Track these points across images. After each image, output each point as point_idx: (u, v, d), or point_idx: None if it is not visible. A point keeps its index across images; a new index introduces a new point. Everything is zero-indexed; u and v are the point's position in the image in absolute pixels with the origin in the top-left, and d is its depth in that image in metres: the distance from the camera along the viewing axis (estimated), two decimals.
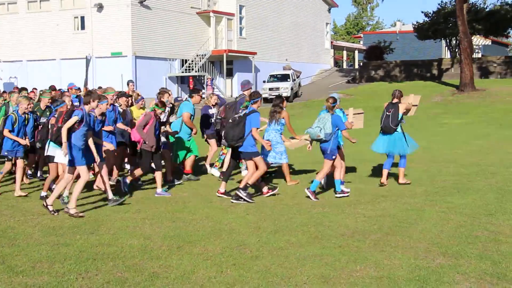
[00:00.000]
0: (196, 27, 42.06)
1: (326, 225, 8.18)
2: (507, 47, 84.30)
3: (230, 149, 11.16)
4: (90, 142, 9.08)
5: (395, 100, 11.50)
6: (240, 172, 12.67)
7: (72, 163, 8.98)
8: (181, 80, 40.99)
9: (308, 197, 10.12)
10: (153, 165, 10.90)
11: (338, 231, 7.80)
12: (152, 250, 6.96)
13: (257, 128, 10.15)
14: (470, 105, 32.14)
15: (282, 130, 11.33)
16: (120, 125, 11.33)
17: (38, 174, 12.48)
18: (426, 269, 6.11)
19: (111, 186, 10.22)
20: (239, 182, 10.84)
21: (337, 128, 10.17)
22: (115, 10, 37.50)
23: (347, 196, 10.29)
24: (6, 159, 10.78)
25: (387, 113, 11.44)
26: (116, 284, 5.77)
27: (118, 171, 12.08)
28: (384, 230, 7.85)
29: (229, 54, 42.04)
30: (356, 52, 64.66)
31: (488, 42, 69.20)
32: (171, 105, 12.94)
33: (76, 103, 11.99)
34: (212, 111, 13.16)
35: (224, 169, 12.42)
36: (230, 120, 10.35)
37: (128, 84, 15.78)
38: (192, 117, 12.09)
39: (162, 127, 11.24)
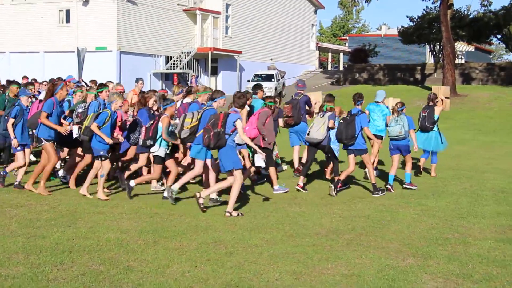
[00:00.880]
0: (182, 24, 42.05)
1: (301, 224, 8.32)
2: (490, 54, 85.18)
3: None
4: None
5: (431, 103, 13.06)
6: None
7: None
8: (166, 77, 40.97)
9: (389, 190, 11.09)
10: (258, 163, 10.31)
11: (313, 230, 7.94)
12: (128, 244, 7.04)
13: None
14: (451, 110, 32.39)
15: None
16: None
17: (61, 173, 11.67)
18: (395, 269, 6.27)
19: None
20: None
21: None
22: (101, 4, 37.37)
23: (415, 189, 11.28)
24: (101, 159, 9.92)
25: (423, 113, 13.04)
26: (91, 276, 5.85)
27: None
28: (358, 230, 8.00)
29: (214, 52, 42.09)
30: (341, 54, 64.99)
31: (471, 48, 69.87)
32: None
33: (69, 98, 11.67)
34: None
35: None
36: (341, 120, 10.95)
37: (137, 82, 14.49)
38: None
39: None
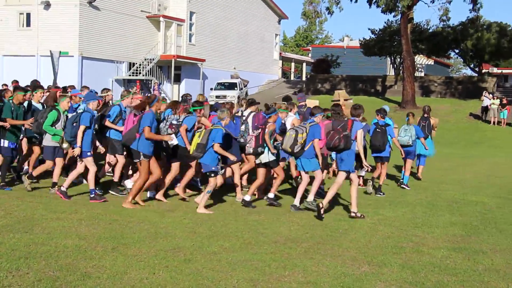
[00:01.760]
0: (145, 31, 41.89)
1: (260, 232, 8.40)
2: (448, 68, 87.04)
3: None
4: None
5: (426, 115, 15.25)
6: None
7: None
8: (128, 83, 40.71)
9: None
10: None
11: (271, 238, 8.03)
12: (86, 250, 7.01)
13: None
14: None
15: None
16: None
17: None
18: (351, 276, 6.40)
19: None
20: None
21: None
22: (62, 8, 36.94)
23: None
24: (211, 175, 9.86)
25: (422, 123, 15.01)
26: (47, 283, 5.82)
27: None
28: (316, 238, 8.12)
29: (178, 59, 42.02)
30: (304, 64, 65.56)
31: (430, 62, 71.35)
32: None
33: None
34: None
35: None
36: (378, 130, 12.38)
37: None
38: None
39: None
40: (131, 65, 40.83)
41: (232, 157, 9.83)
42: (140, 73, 40.22)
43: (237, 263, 6.73)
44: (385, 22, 51.20)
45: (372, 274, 6.50)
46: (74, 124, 10.16)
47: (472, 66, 53.40)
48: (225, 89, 40.57)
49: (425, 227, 9.10)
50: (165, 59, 41.81)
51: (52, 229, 7.98)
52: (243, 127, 11.16)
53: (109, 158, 11.52)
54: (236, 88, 40.57)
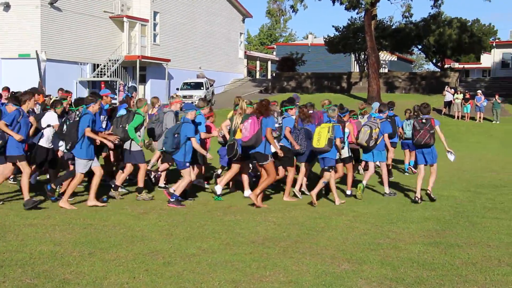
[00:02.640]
0: (109, 32, 41.41)
1: (237, 232, 8.37)
2: (411, 64, 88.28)
3: None
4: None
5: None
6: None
7: None
8: (93, 85, 40.19)
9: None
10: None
11: (249, 238, 8.00)
12: (62, 256, 6.89)
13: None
14: None
15: None
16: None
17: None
18: (332, 274, 6.41)
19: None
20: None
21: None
22: (23, 10, 36.20)
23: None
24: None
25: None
26: None
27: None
28: (293, 237, 8.13)
29: (143, 60, 41.66)
30: (269, 62, 65.72)
31: (394, 58, 72.22)
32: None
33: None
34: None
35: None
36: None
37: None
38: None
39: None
40: (95, 66, 40.32)
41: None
42: (104, 74, 39.76)
43: (217, 265, 6.69)
44: (348, 19, 51.59)
45: (352, 272, 6.53)
46: (176, 135, 10.31)
47: (434, 61, 54.25)
48: (192, 89, 40.38)
49: (400, 222, 9.19)
50: (130, 59, 41.41)
51: (26, 236, 7.83)
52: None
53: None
54: (202, 88, 40.43)
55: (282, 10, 40.17)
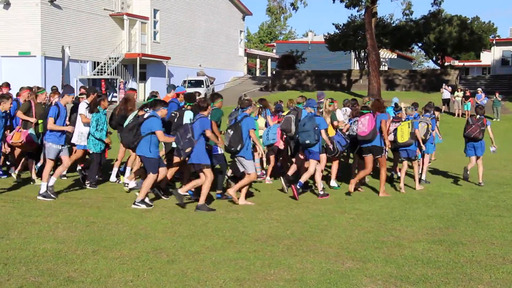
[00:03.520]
0: (109, 30, 41.38)
1: (240, 230, 8.36)
2: (411, 61, 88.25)
3: None
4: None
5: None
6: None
7: None
8: (93, 83, 40.17)
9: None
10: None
11: (253, 236, 7.99)
12: (66, 254, 6.87)
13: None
14: None
15: None
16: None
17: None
18: (336, 273, 6.40)
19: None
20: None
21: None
22: (23, 8, 36.18)
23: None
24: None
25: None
26: None
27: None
28: (297, 235, 8.11)
29: (143, 58, 41.64)
30: (269, 60, 65.69)
31: (394, 55, 72.21)
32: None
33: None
34: None
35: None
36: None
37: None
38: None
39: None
40: (95, 64, 40.29)
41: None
42: (105, 72, 39.74)
43: (221, 263, 6.68)
44: (349, 17, 51.61)
45: (357, 270, 6.51)
46: (316, 128, 11.00)
47: (434, 59, 54.23)
48: (192, 87, 40.30)
49: (403, 220, 9.18)
50: (130, 57, 41.40)
51: (29, 234, 7.81)
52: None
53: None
54: (202, 86, 40.41)
55: (282, 7, 40.22)
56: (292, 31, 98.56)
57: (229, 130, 10.42)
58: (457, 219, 9.34)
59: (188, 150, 9.63)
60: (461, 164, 16.83)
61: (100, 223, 8.56)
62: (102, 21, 40.83)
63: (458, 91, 37.22)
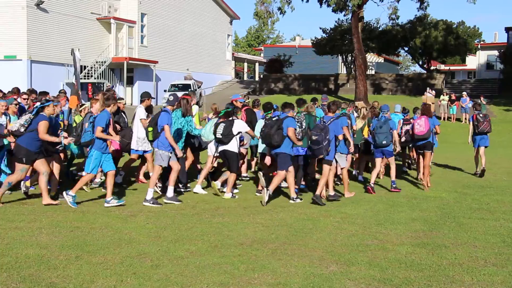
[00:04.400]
0: (96, 33, 41.24)
1: (225, 234, 8.36)
2: (398, 65, 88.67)
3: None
4: None
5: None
6: None
7: None
8: (80, 87, 39.94)
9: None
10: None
11: (237, 240, 7.99)
12: (49, 260, 6.84)
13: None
14: None
15: None
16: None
17: None
18: (320, 276, 6.42)
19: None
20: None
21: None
22: (9, 11, 35.94)
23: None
24: None
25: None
26: None
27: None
28: (281, 239, 8.13)
29: (130, 62, 41.54)
30: (257, 64, 65.72)
31: (381, 60, 72.52)
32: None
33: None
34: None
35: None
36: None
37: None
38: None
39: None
40: (82, 68, 40.11)
41: None
42: (91, 76, 39.60)
43: (206, 267, 6.68)
44: (336, 21, 51.79)
45: (340, 273, 6.54)
46: (390, 130, 12.86)
47: (421, 63, 54.54)
48: (179, 91, 40.18)
49: (387, 223, 9.22)
50: (117, 61, 41.26)
51: (11, 239, 7.77)
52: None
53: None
54: (190, 90, 40.32)
55: (269, 12, 40.20)
56: (279, 35, 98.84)
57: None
58: (441, 222, 9.40)
59: (328, 149, 11.15)
60: (447, 168, 16.93)
61: (84, 228, 8.53)
62: (89, 25, 40.68)
63: (444, 95, 37.44)
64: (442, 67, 67.27)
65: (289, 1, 39.08)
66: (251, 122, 13.30)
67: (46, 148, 10.62)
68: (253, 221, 9.29)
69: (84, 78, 39.45)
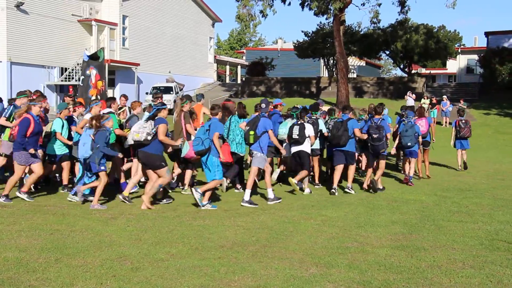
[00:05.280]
0: (77, 35, 40.99)
1: (206, 237, 8.37)
2: (379, 69, 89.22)
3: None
4: None
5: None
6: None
7: None
8: (60, 89, 39.73)
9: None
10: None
11: (218, 243, 8.00)
12: (28, 263, 6.79)
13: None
14: None
15: None
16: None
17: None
18: (300, 278, 6.45)
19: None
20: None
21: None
22: None
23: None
24: None
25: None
26: None
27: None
28: (262, 241, 8.15)
29: (111, 64, 41.31)
30: (239, 67, 65.76)
31: (362, 63, 72.91)
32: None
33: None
34: None
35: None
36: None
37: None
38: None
39: None
40: (63, 70, 39.86)
41: None
42: (72, 78, 39.32)
43: (186, 270, 6.68)
44: (317, 25, 51.99)
45: (320, 276, 6.57)
46: (415, 134, 14.57)
47: (402, 67, 54.94)
48: (161, 93, 40.11)
49: (367, 226, 9.29)
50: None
51: None
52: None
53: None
54: (172, 92, 40.25)
55: (251, 15, 40.21)
56: (262, 38, 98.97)
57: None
58: (420, 225, 9.48)
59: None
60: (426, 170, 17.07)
61: (64, 231, 8.48)
62: (70, 26, 40.44)
63: (424, 99, 37.75)
64: (423, 70, 67.83)
65: (271, 4, 39.17)
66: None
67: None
68: (234, 224, 9.30)
69: (65, 80, 39.20)
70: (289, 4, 40.61)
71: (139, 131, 10.33)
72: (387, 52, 53.21)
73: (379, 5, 41.69)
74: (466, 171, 18.04)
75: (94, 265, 6.76)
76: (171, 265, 6.84)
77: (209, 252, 7.51)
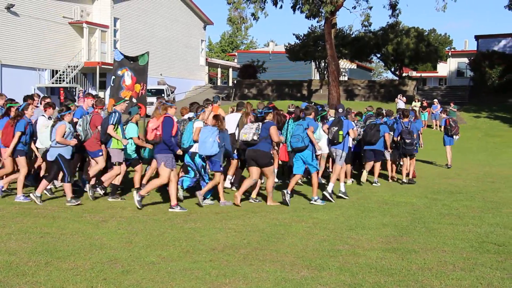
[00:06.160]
0: (68, 38, 40.87)
1: (197, 240, 8.35)
2: (370, 72, 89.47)
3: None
4: None
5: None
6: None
7: None
8: (51, 91, 39.60)
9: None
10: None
11: (209, 246, 7.99)
12: (18, 266, 6.76)
13: None
14: None
15: None
16: None
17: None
18: (291, 281, 6.45)
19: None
20: None
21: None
22: None
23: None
24: None
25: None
26: None
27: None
28: (253, 244, 8.15)
29: (103, 66, 41.23)
30: (231, 70, 65.78)
31: (353, 66, 73.10)
32: None
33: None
34: None
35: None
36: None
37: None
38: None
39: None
40: (54, 72, 39.73)
41: None
42: (63, 80, 39.22)
43: (177, 273, 6.67)
44: (309, 28, 52.12)
45: (311, 278, 6.58)
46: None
47: (393, 70, 55.13)
48: (152, 96, 40.09)
49: (358, 229, 9.30)
50: (90, 65, 40.96)
51: None
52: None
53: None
54: (163, 95, 40.16)
55: (243, 17, 40.24)
56: (253, 41, 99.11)
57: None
58: (411, 227, 9.51)
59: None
60: (416, 172, 17.14)
61: (55, 234, 8.45)
62: (61, 29, 40.33)
63: (415, 101, 37.87)
64: (414, 73, 68.08)
65: (263, 7, 39.21)
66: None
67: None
68: (225, 227, 9.30)
69: (56, 83, 39.09)
70: (281, 7, 40.77)
71: (246, 132, 11.38)
72: (378, 55, 53.37)
73: (370, 8, 41.91)
74: (457, 174, 18.12)
75: (84, 268, 6.73)
76: (162, 268, 6.82)
77: (200, 255, 7.50)
